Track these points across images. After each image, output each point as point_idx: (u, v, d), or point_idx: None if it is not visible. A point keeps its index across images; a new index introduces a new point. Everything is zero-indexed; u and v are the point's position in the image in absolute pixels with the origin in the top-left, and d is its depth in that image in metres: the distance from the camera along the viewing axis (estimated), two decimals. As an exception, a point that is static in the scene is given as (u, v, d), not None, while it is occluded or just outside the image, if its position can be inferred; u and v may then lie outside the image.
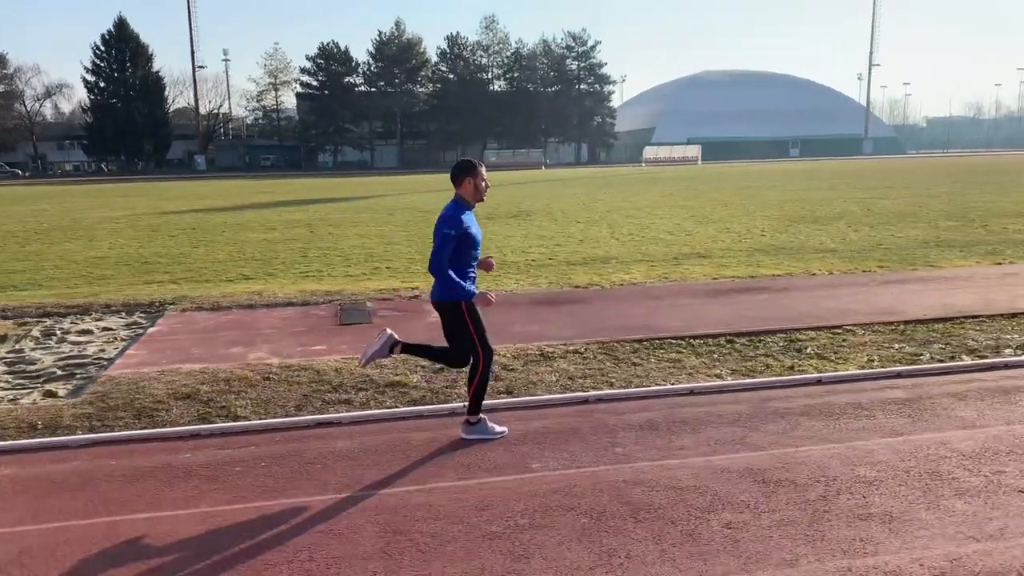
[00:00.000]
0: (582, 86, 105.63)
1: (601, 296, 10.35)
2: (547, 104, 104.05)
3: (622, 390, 6.31)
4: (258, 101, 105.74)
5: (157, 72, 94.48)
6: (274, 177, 67.43)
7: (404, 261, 14.12)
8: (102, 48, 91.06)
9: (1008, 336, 7.73)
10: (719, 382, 6.47)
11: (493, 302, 5.10)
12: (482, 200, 5.23)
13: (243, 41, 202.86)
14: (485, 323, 5.22)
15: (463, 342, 5.18)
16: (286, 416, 5.85)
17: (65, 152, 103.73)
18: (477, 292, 5.08)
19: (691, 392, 6.26)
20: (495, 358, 6.08)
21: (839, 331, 8.06)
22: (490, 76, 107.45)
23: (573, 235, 17.75)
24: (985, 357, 7.07)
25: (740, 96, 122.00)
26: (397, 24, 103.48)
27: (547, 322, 8.75)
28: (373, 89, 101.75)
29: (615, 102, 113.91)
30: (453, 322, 5.15)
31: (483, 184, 5.16)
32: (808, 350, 7.43)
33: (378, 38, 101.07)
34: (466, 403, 5.45)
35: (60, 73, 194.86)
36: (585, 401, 6.11)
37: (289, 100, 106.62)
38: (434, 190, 38.99)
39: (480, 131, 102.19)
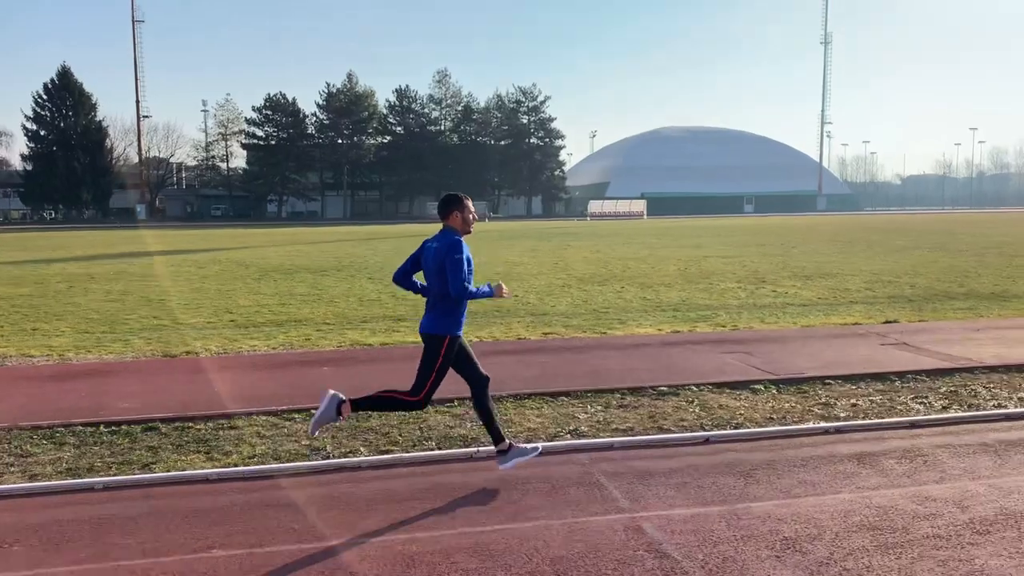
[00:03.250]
0: (532, 140, 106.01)
1: (161, 368, 9.20)
2: (498, 157, 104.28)
3: None
4: (207, 151, 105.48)
5: (100, 121, 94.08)
6: (207, 227, 66.31)
7: (54, 322, 12.94)
8: (44, 97, 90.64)
9: (449, 426, 6.60)
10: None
11: (507, 295, 5.32)
12: (469, 232, 5.30)
13: (196, 91, 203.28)
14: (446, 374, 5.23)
15: (421, 374, 5.14)
16: None
17: (10, 200, 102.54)
18: (494, 287, 5.20)
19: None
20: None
21: (277, 415, 6.92)
22: (443, 128, 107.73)
23: (338, 294, 16.64)
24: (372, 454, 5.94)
25: (696, 152, 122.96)
26: (349, 76, 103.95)
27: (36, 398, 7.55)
28: (322, 139, 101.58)
29: (580, 156, 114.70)
30: (428, 355, 5.14)
31: (471, 216, 5.29)
32: (188, 446, 6.23)
33: (327, 89, 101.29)
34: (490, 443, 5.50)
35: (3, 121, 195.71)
36: None
37: (239, 150, 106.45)
38: (316, 241, 37.96)
39: (431, 183, 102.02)
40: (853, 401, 7.32)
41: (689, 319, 12.61)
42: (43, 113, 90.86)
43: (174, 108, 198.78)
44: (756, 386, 7.88)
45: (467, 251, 5.16)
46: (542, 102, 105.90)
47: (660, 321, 12.39)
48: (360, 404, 5.19)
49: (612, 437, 6.27)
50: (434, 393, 5.21)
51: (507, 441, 5.34)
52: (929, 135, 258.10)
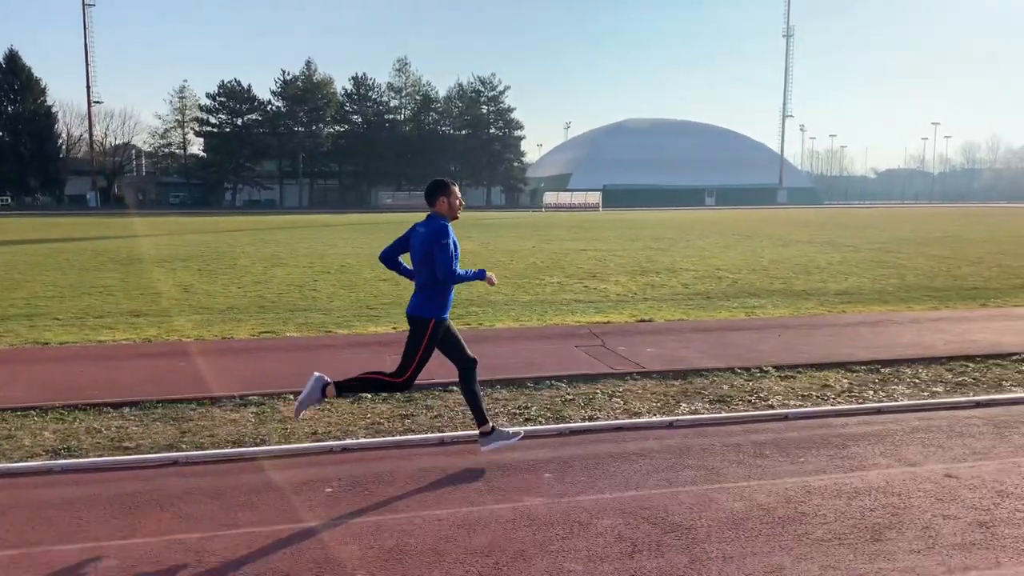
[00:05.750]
0: (491, 130, 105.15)
1: None
2: (458, 147, 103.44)
3: None
4: (163, 138, 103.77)
5: (49, 106, 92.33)
6: (153, 215, 64.85)
7: None
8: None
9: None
10: None
11: (495, 282, 5.46)
12: (456, 218, 5.38)
13: (154, 77, 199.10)
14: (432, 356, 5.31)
15: (406, 356, 5.22)
16: None
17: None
18: (488, 273, 5.33)
19: None
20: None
21: None
22: (402, 117, 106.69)
23: (136, 286, 15.88)
24: None
25: (659, 144, 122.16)
26: (308, 64, 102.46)
27: None
28: (278, 127, 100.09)
29: (547, 148, 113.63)
30: (413, 337, 5.23)
31: (456, 202, 5.37)
32: None
33: (282, 77, 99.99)
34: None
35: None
36: None
37: (197, 138, 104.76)
38: (229, 230, 37.04)
39: (389, 172, 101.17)
40: (436, 413, 6.67)
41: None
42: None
43: (132, 94, 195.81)
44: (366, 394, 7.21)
45: (453, 235, 5.25)
46: (501, 92, 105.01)
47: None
48: (344, 386, 5.25)
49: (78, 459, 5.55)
50: (419, 375, 5.29)
51: (490, 424, 5.43)
52: (902, 130, 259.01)
